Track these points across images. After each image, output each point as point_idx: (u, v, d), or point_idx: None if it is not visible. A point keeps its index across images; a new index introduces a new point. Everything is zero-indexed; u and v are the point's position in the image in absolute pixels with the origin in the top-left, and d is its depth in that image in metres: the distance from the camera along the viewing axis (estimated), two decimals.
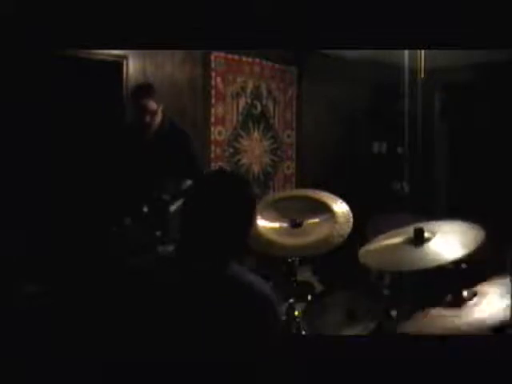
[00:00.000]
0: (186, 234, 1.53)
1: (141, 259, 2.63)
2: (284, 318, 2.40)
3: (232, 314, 1.41)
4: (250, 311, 1.43)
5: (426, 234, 2.10)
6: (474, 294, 1.86)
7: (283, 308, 2.42)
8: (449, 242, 2.05)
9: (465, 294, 1.86)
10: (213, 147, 4.42)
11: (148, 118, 3.08)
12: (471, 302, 1.83)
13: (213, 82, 4.38)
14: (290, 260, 2.49)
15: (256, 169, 4.77)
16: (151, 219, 2.93)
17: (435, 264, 1.97)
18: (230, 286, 1.46)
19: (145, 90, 3.14)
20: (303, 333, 2.41)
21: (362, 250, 2.24)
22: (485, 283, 1.94)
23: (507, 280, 1.80)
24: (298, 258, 2.49)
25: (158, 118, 3.13)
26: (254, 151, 4.75)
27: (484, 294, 1.86)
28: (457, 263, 1.98)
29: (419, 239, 2.08)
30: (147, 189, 3.03)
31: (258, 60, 4.70)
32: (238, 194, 1.54)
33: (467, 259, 1.95)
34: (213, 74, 4.38)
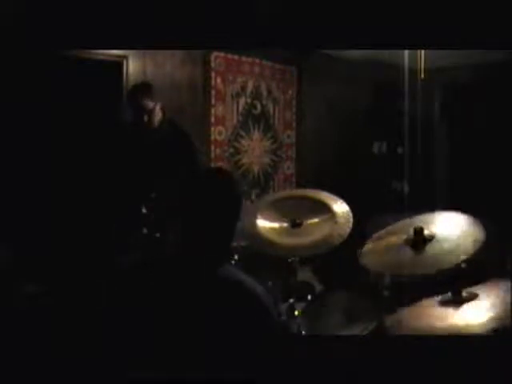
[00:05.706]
0: (179, 234, 1.56)
1: (139, 260, 2.63)
2: (284, 317, 2.40)
3: (225, 313, 1.42)
4: (242, 311, 1.44)
5: (426, 232, 2.08)
6: (475, 295, 1.86)
7: (283, 308, 2.42)
8: (448, 246, 2.04)
9: (464, 294, 1.86)
10: (213, 147, 4.42)
11: (146, 118, 3.09)
12: (470, 302, 1.83)
13: (213, 82, 4.38)
14: (289, 260, 2.49)
15: (256, 169, 4.77)
16: (150, 220, 2.93)
17: (434, 269, 1.96)
18: (223, 285, 1.47)
19: (141, 89, 3.16)
20: (303, 333, 2.41)
21: (362, 250, 2.23)
22: (485, 284, 1.93)
23: (507, 281, 1.80)
24: (297, 258, 2.49)
25: (157, 117, 3.14)
26: (254, 151, 4.75)
27: (484, 295, 1.86)
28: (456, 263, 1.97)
29: (419, 240, 2.07)
30: (146, 189, 3.03)
31: (258, 60, 4.70)
32: (225, 192, 1.56)
33: (467, 259, 1.95)
34: (213, 74, 4.38)
